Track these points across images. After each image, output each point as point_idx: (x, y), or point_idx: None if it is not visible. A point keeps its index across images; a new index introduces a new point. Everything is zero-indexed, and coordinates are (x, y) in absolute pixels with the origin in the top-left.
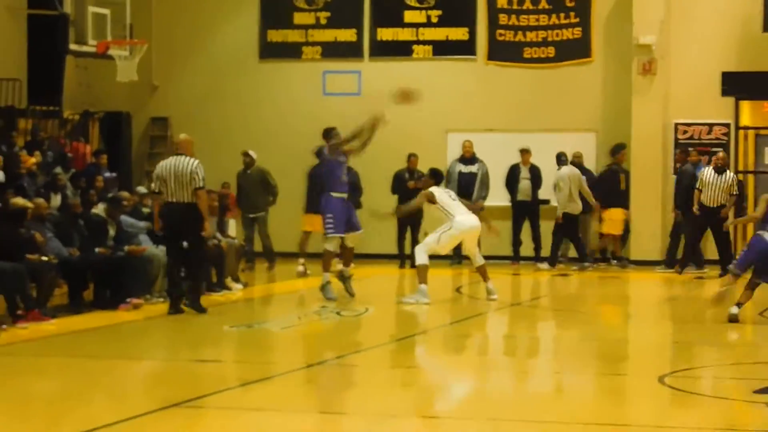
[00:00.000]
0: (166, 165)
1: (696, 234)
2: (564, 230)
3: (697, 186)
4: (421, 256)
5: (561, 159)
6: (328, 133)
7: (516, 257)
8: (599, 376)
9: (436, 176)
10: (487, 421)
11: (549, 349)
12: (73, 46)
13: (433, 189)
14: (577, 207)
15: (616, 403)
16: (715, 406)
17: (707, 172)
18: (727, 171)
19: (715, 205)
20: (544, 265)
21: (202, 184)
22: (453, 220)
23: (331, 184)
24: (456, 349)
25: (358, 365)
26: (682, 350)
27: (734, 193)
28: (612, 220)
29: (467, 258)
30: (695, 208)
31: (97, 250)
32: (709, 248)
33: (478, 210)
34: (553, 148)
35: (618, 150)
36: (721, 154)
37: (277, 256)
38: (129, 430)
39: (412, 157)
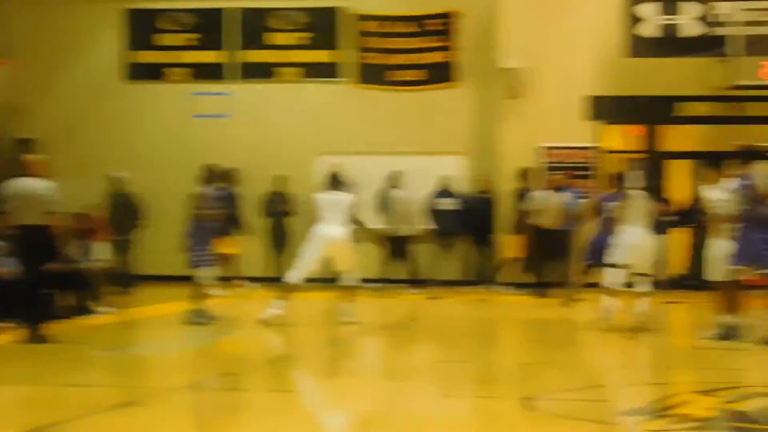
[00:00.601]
0: (15, 186)
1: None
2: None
3: (529, 208)
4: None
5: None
6: None
7: (387, 280)
8: (465, 399)
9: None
10: None
11: (418, 372)
12: None
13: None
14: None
15: (482, 426)
16: (580, 428)
17: (540, 195)
18: (562, 192)
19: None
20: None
21: (53, 207)
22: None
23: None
24: (330, 372)
25: (229, 389)
26: (548, 372)
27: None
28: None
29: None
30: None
31: None
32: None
33: None
34: (420, 171)
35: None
36: (556, 177)
37: (140, 280)
38: None
39: (278, 180)
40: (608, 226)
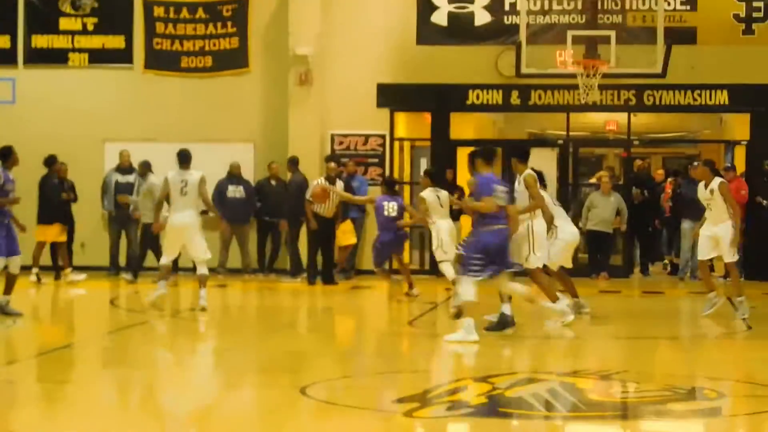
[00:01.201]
0: None
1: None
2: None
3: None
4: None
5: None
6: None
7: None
8: (245, 388)
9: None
10: None
11: (198, 361)
12: None
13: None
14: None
15: (259, 416)
16: (358, 416)
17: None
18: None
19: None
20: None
21: None
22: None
23: None
24: (110, 362)
25: (4, 380)
26: (327, 360)
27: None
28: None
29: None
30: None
31: None
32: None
33: None
34: (211, 158)
35: None
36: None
37: None
38: None
39: (61, 166)
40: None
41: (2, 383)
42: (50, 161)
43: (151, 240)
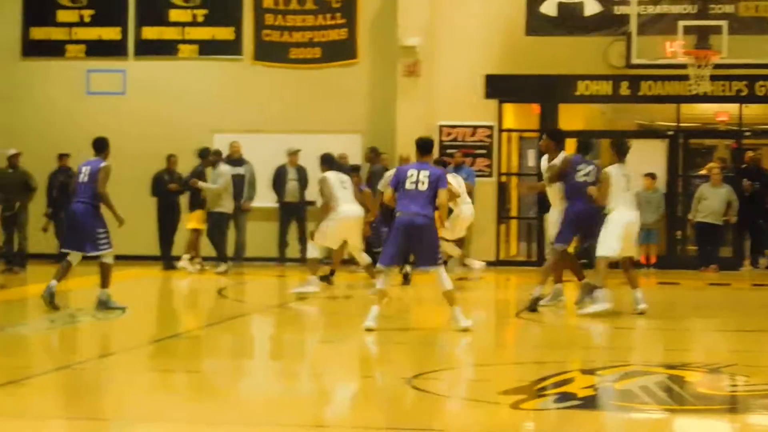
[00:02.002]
0: None
1: None
2: None
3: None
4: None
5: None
6: None
7: (282, 258)
8: (351, 379)
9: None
10: (240, 426)
11: (305, 351)
12: None
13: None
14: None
15: (365, 406)
16: (462, 407)
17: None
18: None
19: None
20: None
21: None
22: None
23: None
24: (213, 353)
25: (112, 368)
26: (428, 352)
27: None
28: None
29: None
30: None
31: None
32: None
33: None
34: (320, 149)
35: None
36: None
37: (28, 258)
38: None
39: (171, 158)
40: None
41: (115, 371)
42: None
43: (220, 230)
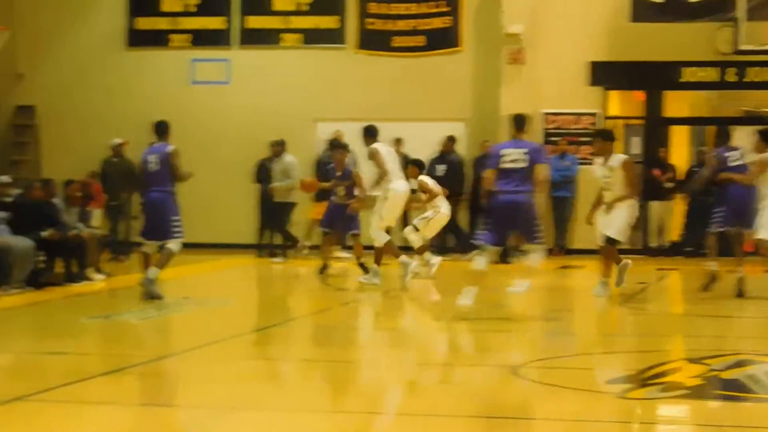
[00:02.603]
0: None
1: None
2: None
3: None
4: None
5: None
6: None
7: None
8: (456, 367)
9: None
10: (342, 414)
11: (408, 339)
12: None
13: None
14: None
15: (472, 395)
16: (570, 396)
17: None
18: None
19: None
20: None
21: None
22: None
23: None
24: (314, 341)
25: (214, 357)
26: (535, 340)
27: None
28: None
29: None
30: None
31: None
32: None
33: None
34: (423, 137)
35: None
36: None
37: (134, 247)
38: None
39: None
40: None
41: (219, 359)
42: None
43: (288, 220)
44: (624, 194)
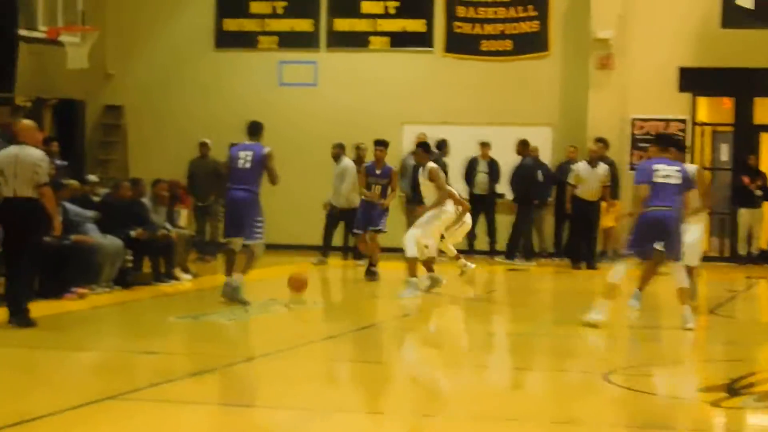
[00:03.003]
0: (6, 155)
1: (577, 228)
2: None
3: (570, 180)
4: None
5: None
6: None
7: (470, 250)
8: (546, 372)
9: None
10: (434, 418)
11: (498, 344)
12: (23, 32)
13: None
14: None
15: (562, 400)
16: (660, 404)
17: (581, 166)
18: (600, 163)
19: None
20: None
21: (46, 179)
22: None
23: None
24: (404, 344)
25: (303, 358)
26: (627, 347)
27: (607, 184)
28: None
29: None
30: (568, 203)
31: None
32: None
33: None
34: (508, 142)
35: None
36: (594, 147)
37: (221, 248)
38: (61, 424)
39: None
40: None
41: (306, 360)
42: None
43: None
44: (699, 207)
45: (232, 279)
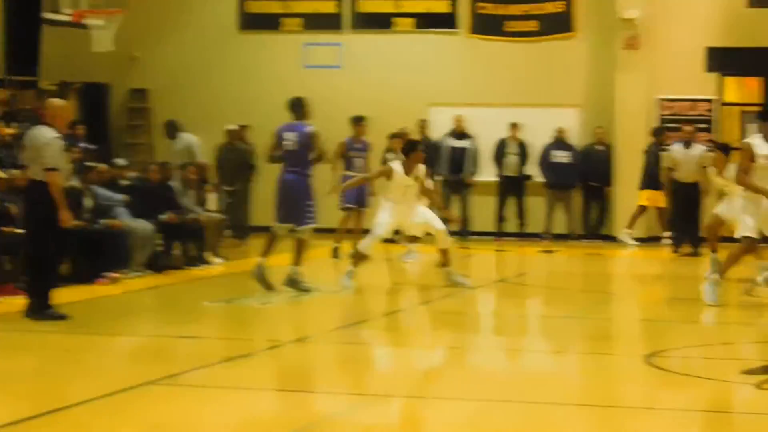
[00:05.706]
0: (29, 135)
1: (678, 211)
2: None
3: (667, 164)
4: None
5: None
6: None
7: (499, 233)
8: (586, 356)
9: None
10: (473, 402)
11: (534, 328)
12: (47, 15)
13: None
14: None
15: (602, 383)
16: (703, 386)
17: (676, 149)
18: (696, 145)
19: (689, 182)
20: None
21: (54, 163)
22: None
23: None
24: (438, 328)
25: (338, 342)
26: (668, 329)
27: (704, 165)
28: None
29: None
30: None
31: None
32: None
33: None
34: (535, 123)
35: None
36: (687, 128)
37: (252, 231)
38: (102, 408)
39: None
40: None
41: (333, 346)
42: (658, 132)
43: None
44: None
45: (263, 261)
